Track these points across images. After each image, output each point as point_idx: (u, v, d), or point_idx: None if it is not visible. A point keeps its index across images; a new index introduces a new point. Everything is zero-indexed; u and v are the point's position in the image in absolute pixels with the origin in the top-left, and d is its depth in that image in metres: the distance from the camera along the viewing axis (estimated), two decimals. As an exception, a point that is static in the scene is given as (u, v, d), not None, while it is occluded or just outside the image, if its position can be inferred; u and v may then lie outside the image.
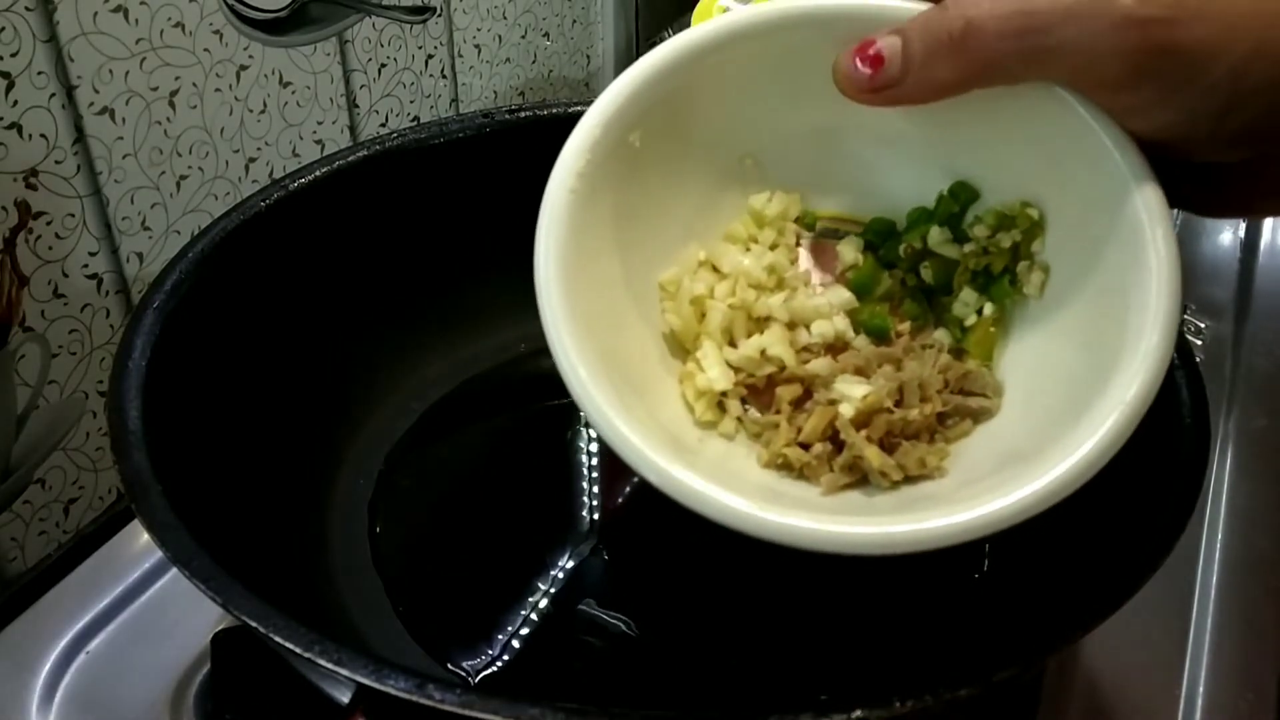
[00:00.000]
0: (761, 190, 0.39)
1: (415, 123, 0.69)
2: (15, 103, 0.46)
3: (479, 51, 0.73)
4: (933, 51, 0.31)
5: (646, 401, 0.35)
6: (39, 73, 0.47)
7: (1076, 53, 0.30)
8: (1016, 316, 0.36)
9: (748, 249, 0.38)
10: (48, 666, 0.46)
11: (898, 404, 0.35)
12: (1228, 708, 0.46)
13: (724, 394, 0.36)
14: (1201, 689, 0.46)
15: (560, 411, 0.57)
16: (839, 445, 0.35)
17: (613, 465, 0.54)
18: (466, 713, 0.29)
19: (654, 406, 0.35)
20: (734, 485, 0.32)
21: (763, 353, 0.36)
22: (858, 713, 0.30)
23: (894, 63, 0.32)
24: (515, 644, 0.44)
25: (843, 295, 0.37)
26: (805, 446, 0.35)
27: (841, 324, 0.37)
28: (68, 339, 0.52)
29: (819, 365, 0.36)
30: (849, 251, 0.38)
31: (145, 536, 0.35)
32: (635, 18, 0.89)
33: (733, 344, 0.37)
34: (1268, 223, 0.76)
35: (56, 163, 0.49)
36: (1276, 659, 0.47)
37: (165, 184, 0.54)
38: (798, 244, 0.39)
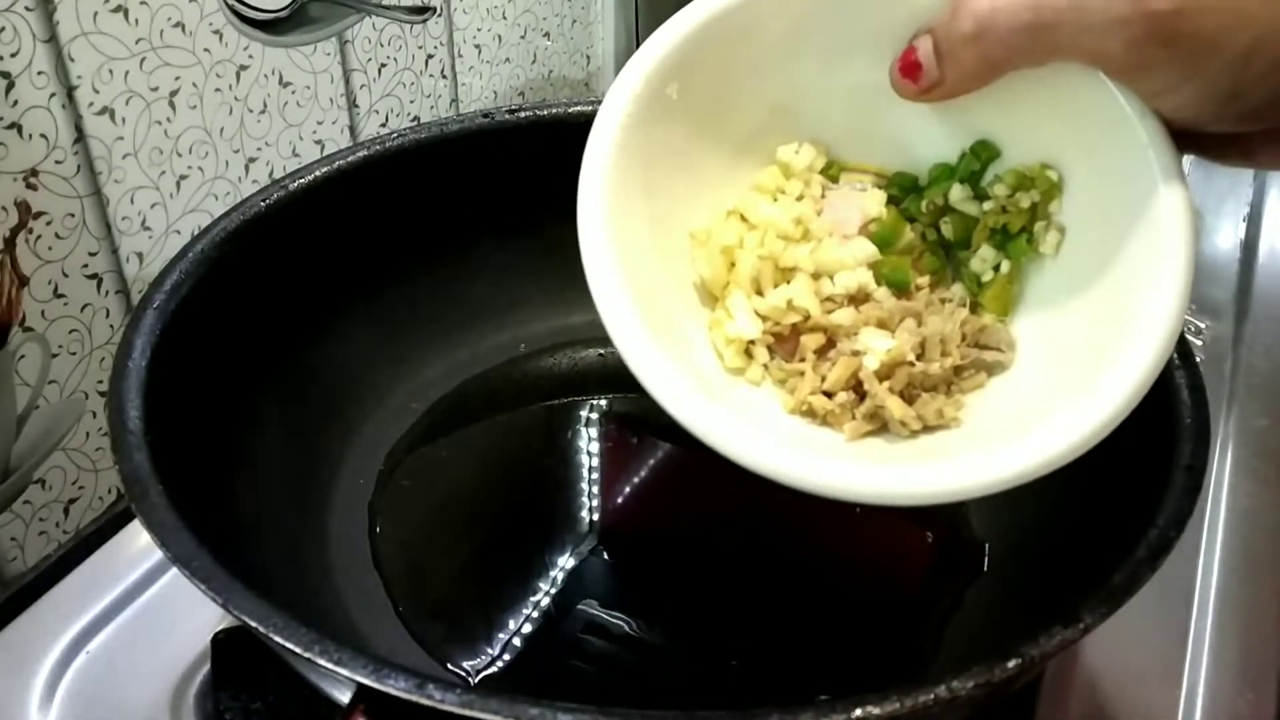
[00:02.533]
0: (790, 142, 0.40)
1: (415, 123, 0.69)
2: (15, 103, 0.46)
3: (479, 51, 0.73)
4: (956, 52, 0.33)
5: (676, 344, 0.36)
6: (39, 73, 0.47)
7: (1086, 44, 0.31)
8: (1032, 274, 0.38)
9: (775, 200, 0.40)
10: (48, 666, 0.46)
11: (919, 357, 0.36)
12: (1228, 708, 0.46)
13: (752, 342, 0.38)
14: (1201, 689, 0.46)
15: (560, 411, 0.57)
16: (861, 394, 0.36)
17: (613, 465, 0.54)
18: (466, 713, 0.29)
19: (683, 350, 0.37)
20: (760, 428, 0.34)
21: (789, 302, 0.37)
22: (858, 712, 0.30)
23: (930, 68, 0.34)
24: (515, 644, 0.44)
25: (866, 248, 0.38)
26: (829, 395, 0.37)
27: (864, 276, 0.38)
28: (68, 339, 0.52)
29: (843, 316, 0.37)
30: (873, 205, 0.39)
31: (145, 536, 0.35)
32: (635, 18, 0.89)
33: (760, 293, 0.38)
34: (1267, 223, 0.76)
35: (56, 163, 0.49)
36: (1276, 659, 0.47)
37: (165, 184, 0.54)
38: (823, 195, 0.40)
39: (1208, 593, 0.50)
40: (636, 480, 0.53)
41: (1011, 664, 0.31)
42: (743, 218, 0.39)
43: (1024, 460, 0.32)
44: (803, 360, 0.37)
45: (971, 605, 0.46)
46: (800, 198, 0.40)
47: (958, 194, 0.38)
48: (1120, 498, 0.40)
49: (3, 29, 0.45)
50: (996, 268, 0.38)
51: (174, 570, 0.34)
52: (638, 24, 0.89)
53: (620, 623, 0.45)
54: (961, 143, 0.38)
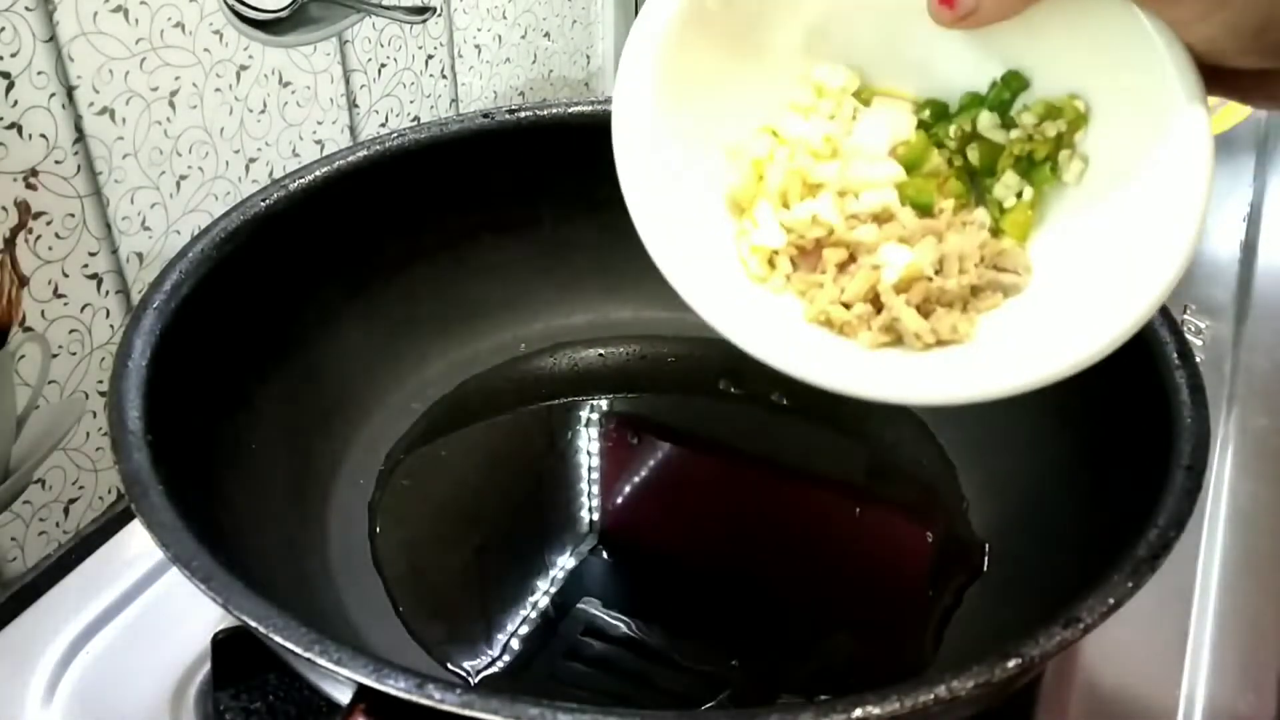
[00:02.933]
0: (825, 64, 0.41)
1: (415, 123, 0.69)
2: (15, 103, 0.46)
3: (479, 51, 0.73)
4: None
5: (703, 250, 0.38)
6: (39, 73, 0.47)
7: None
8: (1053, 202, 0.39)
9: (807, 118, 0.40)
10: (48, 666, 0.46)
11: (937, 273, 0.37)
12: (1228, 708, 0.46)
13: (775, 252, 0.39)
14: (1201, 689, 0.46)
15: (560, 411, 0.57)
16: (879, 307, 0.38)
17: (613, 465, 0.54)
18: (466, 713, 0.29)
19: (709, 257, 0.38)
20: (779, 329, 0.36)
21: (814, 217, 0.38)
22: (857, 713, 0.30)
23: None
24: (515, 644, 0.44)
25: (893, 168, 0.39)
26: (847, 306, 0.38)
27: (889, 195, 0.39)
28: (68, 339, 0.52)
29: (865, 232, 0.38)
30: (902, 128, 0.40)
31: (145, 536, 0.35)
32: (635, 18, 0.89)
33: (786, 206, 0.39)
34: (1267, 223, 0.76)
35: (56, 163, 0.49)
36: (1277, 659, 0.47)
37: (165, 184, 0.54)
38: (854, 117, 0.41)
39: (1208, 593, 0.50)
40: (636, 480, 0.53)
41: (1011, 664, 0.31)
42: (774, 134, 0.40)
43: (1034, 370, 0.34)
44: (824, 273, 0.39)
45: (971, 605, 0.46)
46: (832, 117, 0.40)
47: (986, 121, 0.39)
48: (1120, 498, 0.40)
49: (3, 29, 0.45)
50: (1019, 195, 0.39)
51: (174, 570, 0.34)
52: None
53: (620, 623, 0.45)
54: (992, 72, 0.39)
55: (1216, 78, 0.34)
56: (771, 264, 0.39)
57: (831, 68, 0.40)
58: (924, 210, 0.39)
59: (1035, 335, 0.36)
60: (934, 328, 0.37)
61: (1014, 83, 0.38)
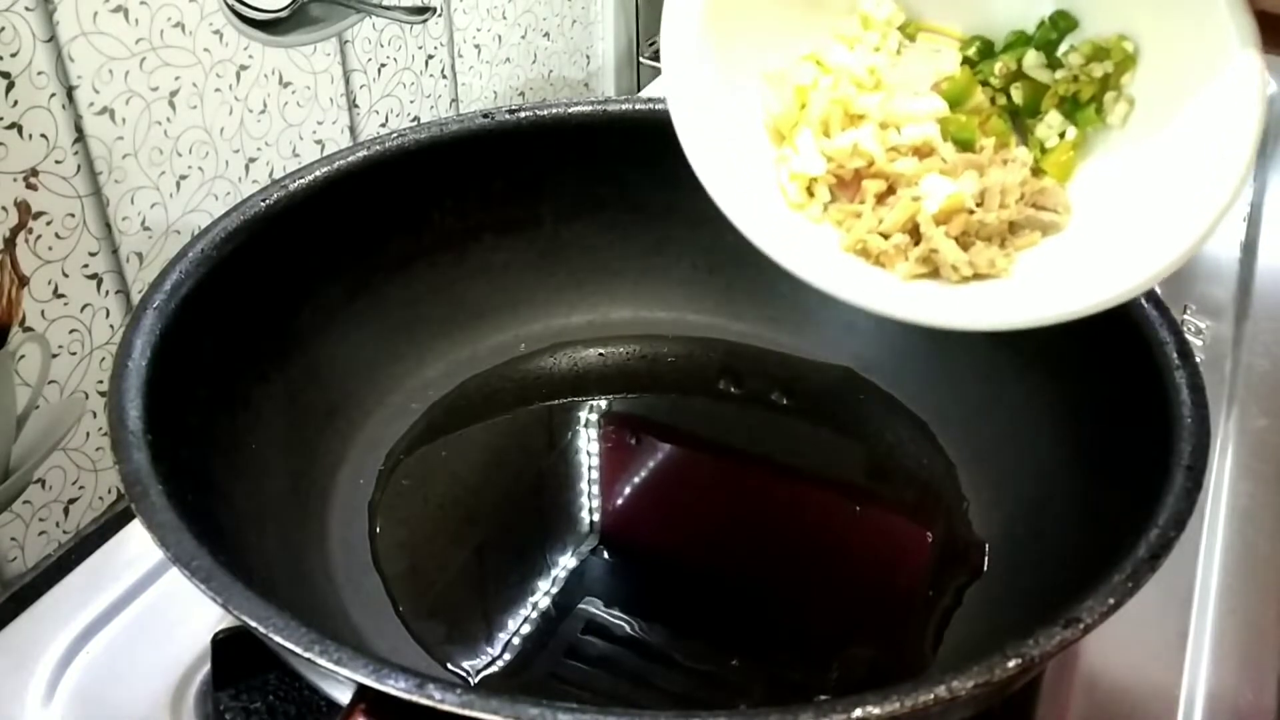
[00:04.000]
0: None
1: (415, 123, 0.69)
2: (15, 103, 0.46)
3: (479, 51, 0.73)
4: None
5: (744, 172, 0.38)
6: (39, 73, 0.47)
7: None
8: (1096, 144, 0.39)
9: (852, 48, 0.41)
10: (48, 666, 0.46)
11: (978, 206, 0.38)
12: (1227, 708, 0.46)
13: (815, 180, 0.39)
14: (1201, 689, 0.46)
15: (561, 411, 0.57)
16: (917, 239, 0.38)
17: (613, 465, 0.54)
18: (466, 713, 0.29)
19: (749, 179, 0.39)
20: (816, 252, 0.36)
21: (855, 146, 0.39)
22: (858, 712, 0.30)
23: None
24: (515, 644, 0.44)
25: (936, 102, 0.39)
26: (884, 237, 0.38)
27: (931, 129, 0.39)
28: (68, 339, 0.52)
29: (906, 164, 0.38)
30: (947, 63, 0.40)
31: (145, 536, 0.35)
32: (635, 18, 0.89)
33: (827, 135, 0.39)
34: (1267, 223, 0.76)
35: (56, 163, 0.49)
36: (1277, 659, 0.47)
37: (165, 184, 0.54)
38: (899, 52, 0.41)
39: (1208, 593, 0.50)
40: (636, 481, 0.53)
41: (1011, 664, 0.31)
42: (819, 63, 0.40)
43: (1065, 303, 0.35)
44: (862, 203, 0.39)
45: (971, 605, 0.46)
46: (877, 49, 0.40)
47: (1031, 60, 0.39)
48: (1120, 497, 0.40)
49: (3, 29, 0.45)
50: (1062, 135, 0.39)
51: (174, 570, 0.34)
52: (638, 24, 0.89)
53: (620, 623, 0.45)
54: (1040, 11, 0.39)
55: (1268, 26, 0.33)
56: (810, 192, 0.39)
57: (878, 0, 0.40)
58: (965, 146, 0.39)
59: (1071, 272, 0.36)
60: (972, 260, 0.37)
61: (1062, 22, 0.38)
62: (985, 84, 0.40)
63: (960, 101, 0.39)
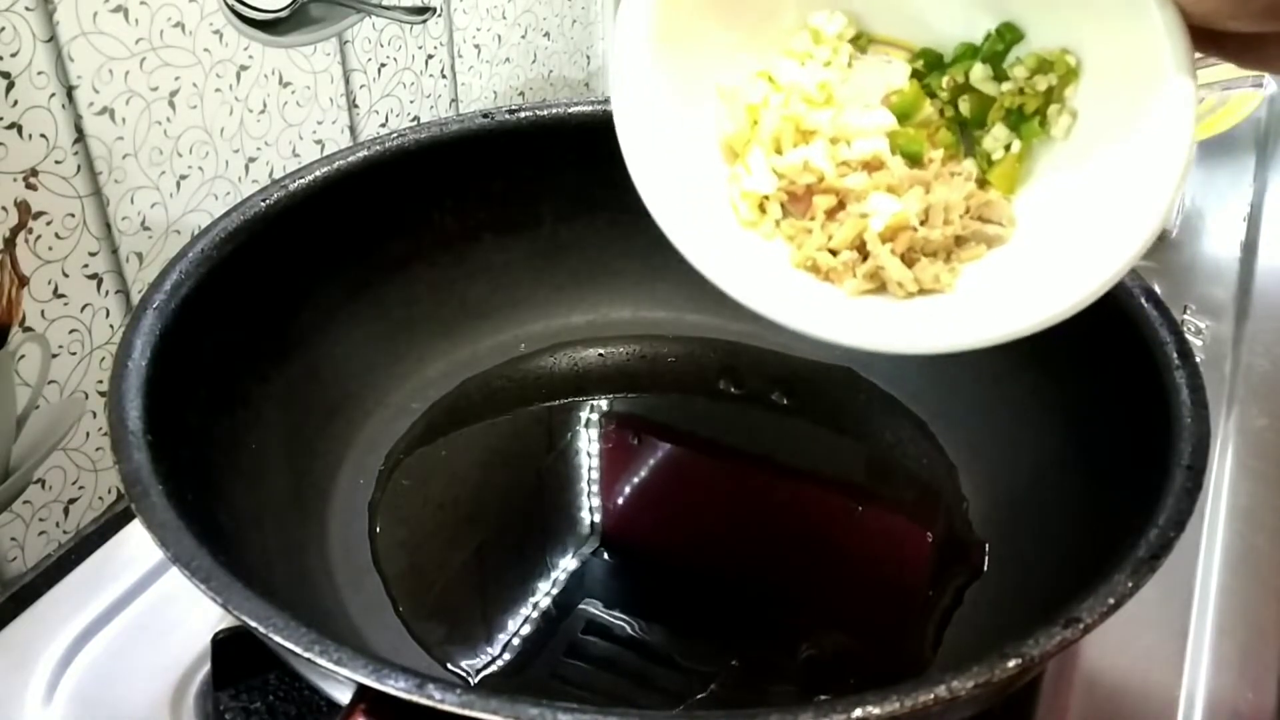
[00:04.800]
0: (822, 9, 0.41)
1: (415, 123, 0.69)
2: (15, 103, 0.46)
3: (479, 51, 0.73)
4: None
5: (693, 193, 0.39)
6: (39, 73, 0.47)
7: None
8: (1041, 157, 0.39)
9: (803, 64, 0.41)
10: (48, 666, 0.46)
11: (923, 223, 0.38)
12: (1228, 708, 0.46)
13: (766, 197, 0.39)
14: (1201, 689, 0.46)
15: (560, 411, 0.57)
16: (864, 254, 0.38)
17: (613, 466, 0.54)
18: (466, 713, 0.29)
19: (700, 200, 0.39)
20: (764, 275, 0.37)
21: (806, 163, 0.39)
22: (858, 712, 0.30)
23: None
24: (515, 644, 0.44)
25: (885, 117, 0.40)
26: (834, 253, 0.39)
27: (881, 144, 0.39)
28: (68, 339, 0.52)
29: (855, 180, 0.39)
30: (896, 77, 0.40)
31: (145, 536, 0.35)
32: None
33: (779, 152, 0.40)
34: (1267, 223, 0.76)
35: (56, 163, 0.49)
36: (1277, 659, 0.47)
37: (165, 184, 0.54)
38: (850, 64, 0.41)
39: (1208, 593, 0.50)
40: (636, 481, 0.53)
41: (1011, 664, 0.31)
42: (770, 79, 0.41)
43: (1006, 324, 0.35)
44: (812, 219, 0.39)
45: (971, 605, 0.46)
46: (828, 63, 0.41)
47: (979, 73, 0.39)
48: (1120, 497, 0.40)
49: (3, 29, 0.45)
50: (1008, 147, 0.39)
51: (174, 570, 0.34)
52: None
53: (620, 623, 0.45)
54: (986, 23, 0.39)
55: (1208, 38, 0.34)
56: (762, 209, 0.40)
57: (828, 14, 0.41)
58: (914, 159, 0.39)
59: (1013, 288, 0.37)
60: (917, 277, 0.38)
61: (1008, 34, 0.39)
62: (934, 96, 0.40)
63: (909, 115, 0.40)
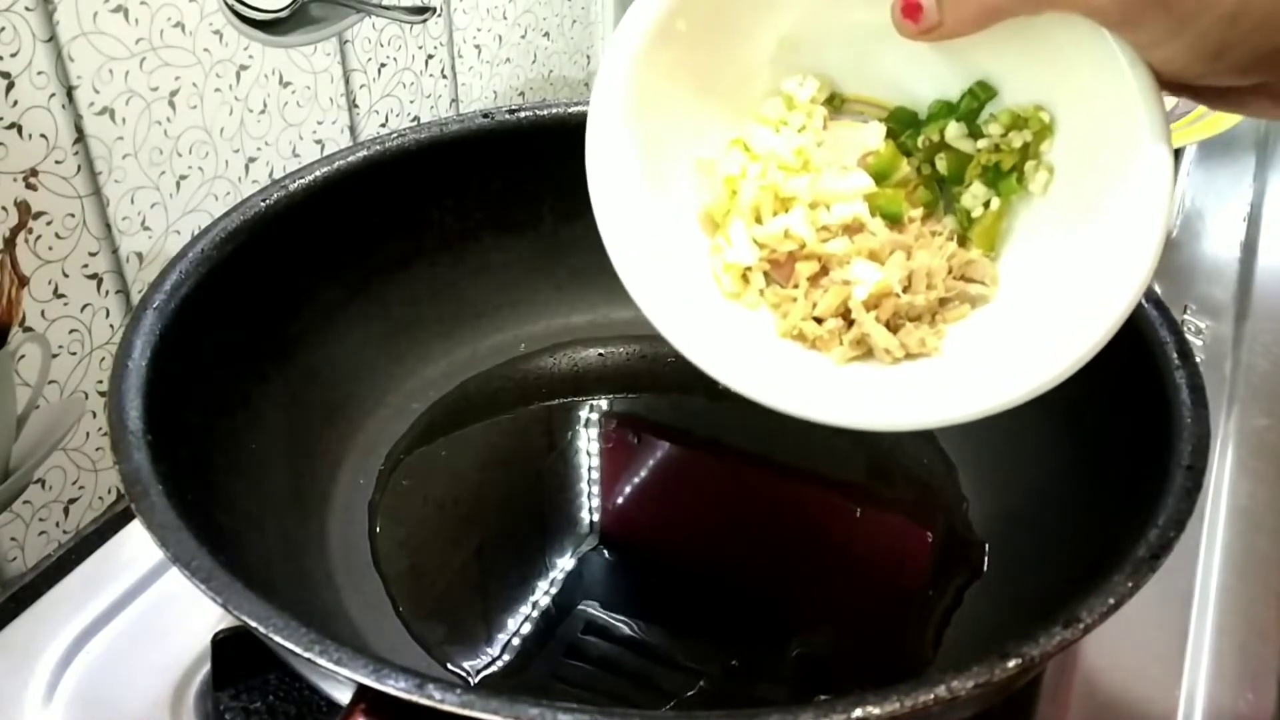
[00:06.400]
0: (795, 74, 0.41)
1: (415, 123, 0.69)
2: (15, 103, 0.46)
3: (479, 51, 0.73)
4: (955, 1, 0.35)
5: (675, 269, 0.39)
6: (39, 73, 0.47)
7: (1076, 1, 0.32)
8: (1020, 212, 0.39)
9: (778, 131, 0.41)
10: (48, 666, 0.46)
11: (905, 289, 0.38)
12: (1228, 708, 0.46)
13: (749, 268, 0.40)
14: (1201, 689, 0.46)
15: (560, 411, 0.57)
16: (850, 321, 0.38)
17: (613, 465, 0.54)
18: (466, 713, 0.29)
19: (682, 275, 0.39)
20: (747, 351, 0.37)
21: (786, 231, 0.39)
22: (858, 712, 0.30)
23: (931, 11, 0.35)
24: (515, 644, 0.44)
25: (862, 179, 0.40)
26: (819, 321, 0.39)
27: (860, 207, 0.40)
28: (68, 339, 0.52)
29: (837, 245, 0.39)
30: (872, 138, 0.41)
31: (145, 536, 0.35)
32: (635, 18, 0.89)
33: (759, 221, 0.40)
34: (1267, 223, 0.76)
35: (56, 163, 0.49)
36: (1277, 659, 0.47)
37: (165, 184, 0.54)
38: (825, 127, 0.41)
39: (1208, 593, 0.50)
40: (636, 480, 0.53)
41: (1011, 664, 0.31)
42: (745, 147, 0.41)
43: (994, 395, 0.35)
44: (796, 286, 0.39)
45: (971, 605, 0.46)
46: (802, 129, 0.41)
47: (954, 131, 0.39)
48: (1120, 497, 0.40)
49: (3, 29, 0.45)
50: (987, 204, 0.39)
51: (174, 570, 0.34)
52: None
53: (620, 623, 0.45)
54: (960, 81, 0.39)
55: (1184, 89, 0.34)
56: (745, 280, 0.40)
57: (800, 79, 0.41)
58: (894, 220, 0.39)
59: (1000, 353, 0.37)
60: (903, 342, 0.38)
61: (983, 93, 0.39)
62: (910, 155, 0.40)
63: (886, 175, 0.40)
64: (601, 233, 0.38)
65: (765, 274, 0.40)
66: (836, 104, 0.41)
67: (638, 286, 0.37)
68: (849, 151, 0.40)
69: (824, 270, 0.39)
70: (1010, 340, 0.37)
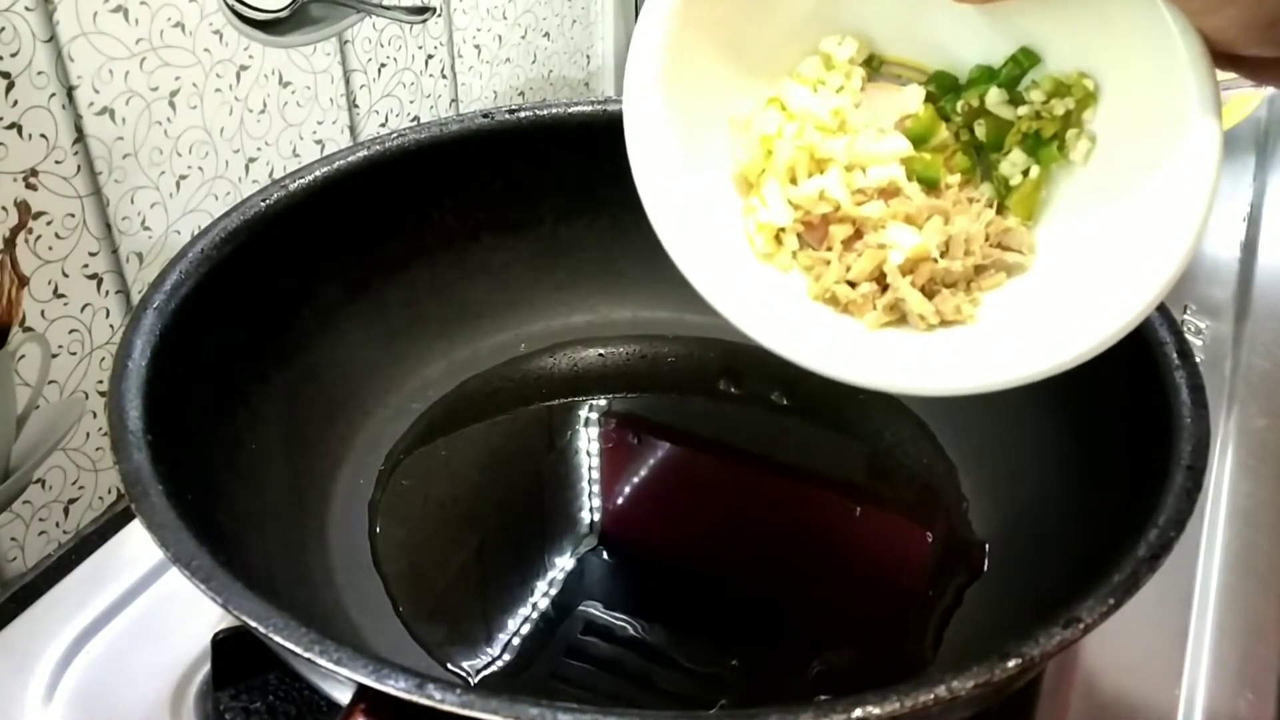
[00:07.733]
0: (834, 34, 0.41)
1: (415, 123, 0.69)
2: (15, 103, 0.46)
3: (479, 51, 0.73)
4: None
5: (709, 227, 0.38)
6: (39, 73, 0.47)
7: None
8: (1060, 181, 0.38)
9: (815, 91, 0.40)
10: (48, 666, 0.46)
11: (943, 254, 0.38)
12: (1228, 708, 0.46)
13: (783, 229, 0.39)
14: (1201, 689, 0.46)
15: (560, 411, 0.57)
16: (884, 286, 0.38)
17: (613, 465, 0.54)
18: (466, 713, 0.29)
19: (716, 233, 0.39)
20: (782, 312, 0.37)
21: (821, 193, 0.39)
22: (858, 712, 0.30)
23: None
24: (515, 644, 0.44)
25: (900, 143, 0.39)
26: (852, 285, 0.38)
27: (896, 170, 0.39)
28: (68, 339, 0.52)
29: (872, 209, 0.38)
30: (910, 101, 0.40)
31: (145, 536, 0.35)
32: (635, 18, 0.89)
33: (794, 182, 0.39)
34: (1267, 223, 0.76)
35: (56, 163, 0.49)
36: (1277, 659, 0.47)
37: (165, 184, 0.54)
38: (863, 88, 0.41)
39: (1208, 593, 0.50)
40: (636, 481, 0.53)
41: (1011, 664, 0.31)
42: (782, 106, 0.40)
43: (1031, 364, 0.35)
44: (830, 249, 0.39)
45: (971, 605, 0.46)
46: (840, 89, 0.40)
47: (994, 97, 0.38)
48: (1120, 497, 0.40)
49: (3, 29, 0.45)
50: (1026, 172, 0.39)
51: (174, 570, 0.34)
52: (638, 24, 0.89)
53: (620, 623, 0.45)
54: (1002, 46, 0.38)
55: (1229, 59, 0.34)
56: (778, 241, 0.39)
57: (839, 38, 0.40)
58: (931, 185, 0.39)
59: (1036, 321, 0.36)
60: (938, 309, 0.37)
61: (1025, 59, 0.38)
62: (949, 120, 0.40)
63: (924, 139, 0.39)
64: (639, 189, 0.37)
65: (798, 236, 0.39)
66: (875, 65, 0.41)
67: (674, 243, 0.37)
68: (887, 114, 0.40)
69: (858, 234, 0.39)
70: (1046, 311, 0.36)
